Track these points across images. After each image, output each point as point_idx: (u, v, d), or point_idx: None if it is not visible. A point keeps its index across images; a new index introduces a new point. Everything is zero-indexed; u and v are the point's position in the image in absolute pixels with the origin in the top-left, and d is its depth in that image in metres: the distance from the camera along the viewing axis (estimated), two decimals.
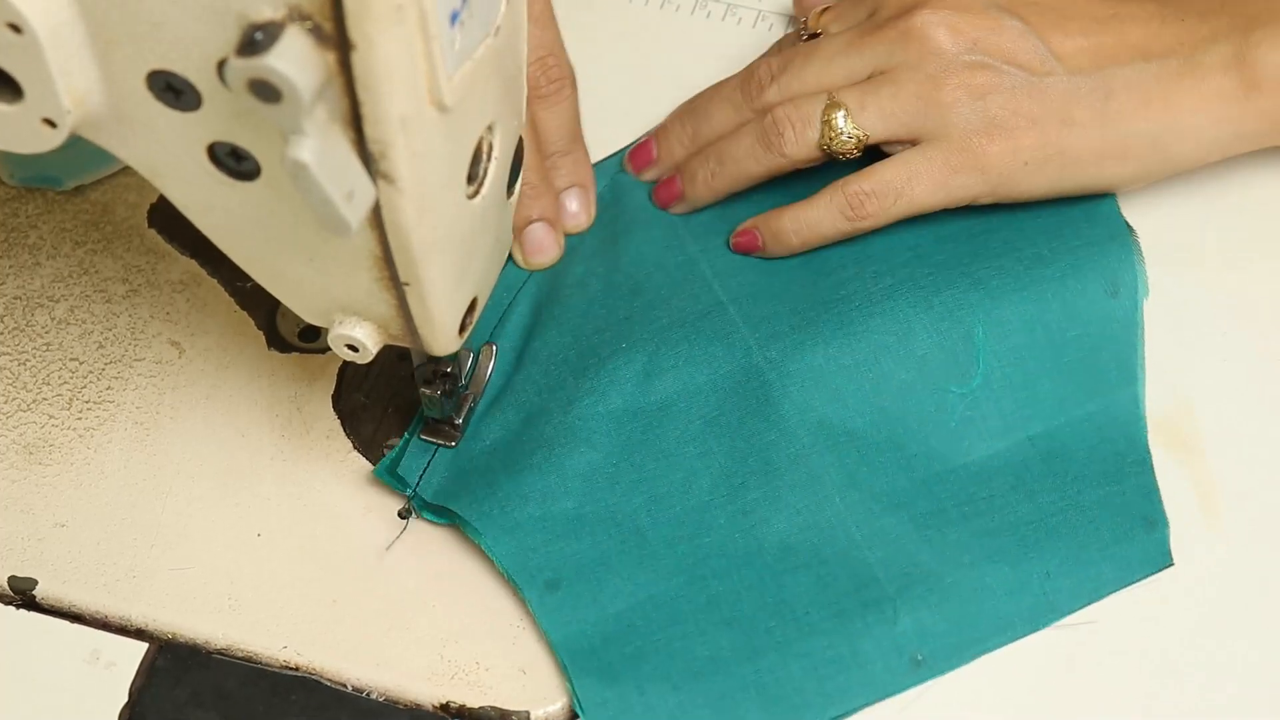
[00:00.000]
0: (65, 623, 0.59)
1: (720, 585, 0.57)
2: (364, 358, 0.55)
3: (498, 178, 0.52)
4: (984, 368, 0.60)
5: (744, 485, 0.59)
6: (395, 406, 0.63)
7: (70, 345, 0.65)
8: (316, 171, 0.42)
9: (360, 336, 0.54)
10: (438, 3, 0.42)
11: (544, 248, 0.65)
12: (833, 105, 0.61)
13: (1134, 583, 0.58)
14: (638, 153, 0.68)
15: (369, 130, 0.43)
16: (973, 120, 0.60)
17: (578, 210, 0.66)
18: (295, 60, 0.40)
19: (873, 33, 0.62)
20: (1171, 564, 0.58)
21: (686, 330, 0.61)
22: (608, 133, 0.71)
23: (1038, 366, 0.61)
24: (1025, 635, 0.57)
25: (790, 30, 0.71)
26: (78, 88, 0.45)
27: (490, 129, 0.51)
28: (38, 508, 0.61)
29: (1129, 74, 0.60)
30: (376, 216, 0.47)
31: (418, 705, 0.57)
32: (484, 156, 0.51)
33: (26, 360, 0.65)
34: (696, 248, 0.65)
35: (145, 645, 0.58)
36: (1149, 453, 0.60)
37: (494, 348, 0.63)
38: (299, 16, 0.40)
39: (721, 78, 0.72)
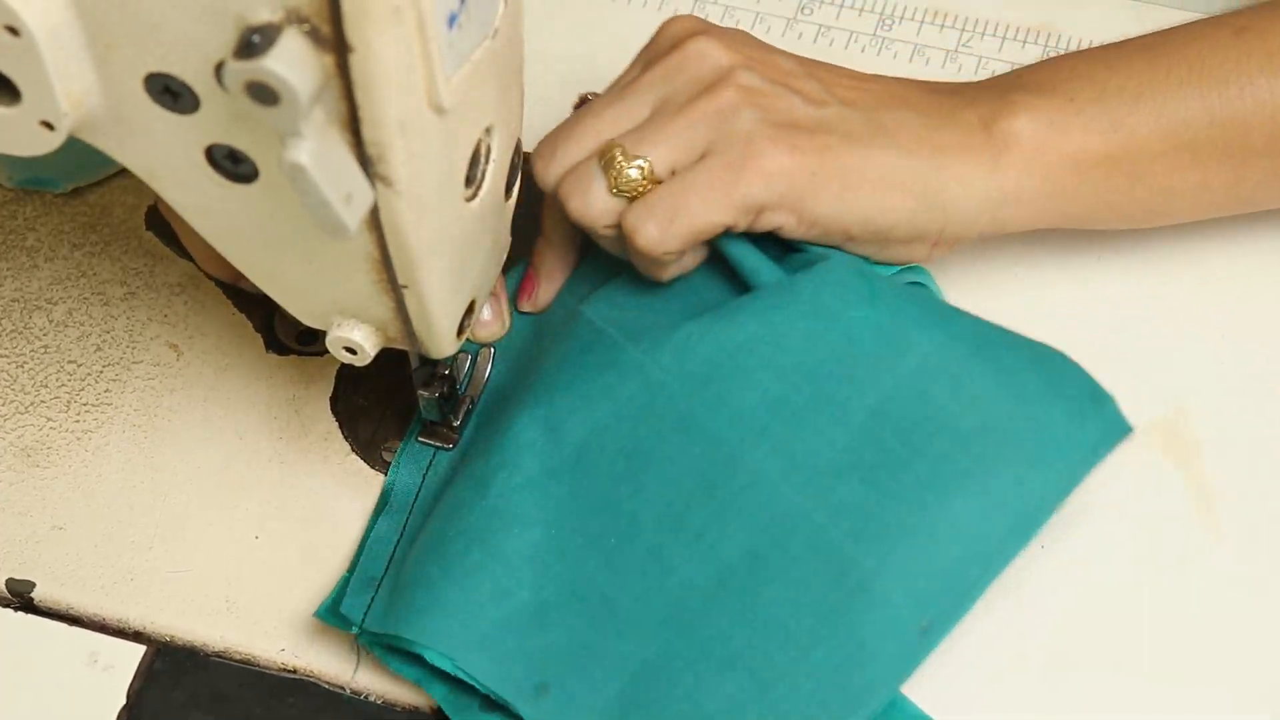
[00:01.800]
0: (63, 625, 0.59)
1: (706, 628, 0.54)
2: (362, 360, 0.55)
3: (496, 180, 0.52)
4: (874, 283, 0.57)
5: (687, 509, 0.55)
6: (393, 409, 0.63)
7: (68, 348, 0.65)
8: (314, 174, 0.42)
9: (358, 339, 0.54)
10: (435, 5, 0.42)
11: (488, 323, 0.64)
12: (605, 150, 0.57)
13: (1102, 459, 0.55)
14: (525, 287, 0.65)
15: (367, 133, 0.43)
16: (757, 126, 0.57)
17: (490, 319, 0.64)
18: (293, 62, 0.40)
19: (644, 71, 0.59)
20: (1132, 429, 0.55)
21: (574, 369, 0.58)
22: None
23: (939, 303, 0.59)
24: (1017, 554, 0.53)
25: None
26: (75, 90, 0.45)
27: (488, 131, 0.51)
28: (36, 510, 0.61)
29: (899, 116, 0.59)
30: (374, 219, 0.47)
31: (415, 708, 0.57)
32: (482, 159, 0.51)
33: (24, 363, 0.65)
34: (573, 299, 0.62)
35: (143, 648, 0.58)
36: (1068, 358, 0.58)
37: (492, 350, 0.63)
38: (297, 19, 0.40)
39: None
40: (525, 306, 0.64)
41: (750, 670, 0.53)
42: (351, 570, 0.58)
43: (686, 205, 0.56)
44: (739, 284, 0.59)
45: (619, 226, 0.57)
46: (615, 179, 0.57)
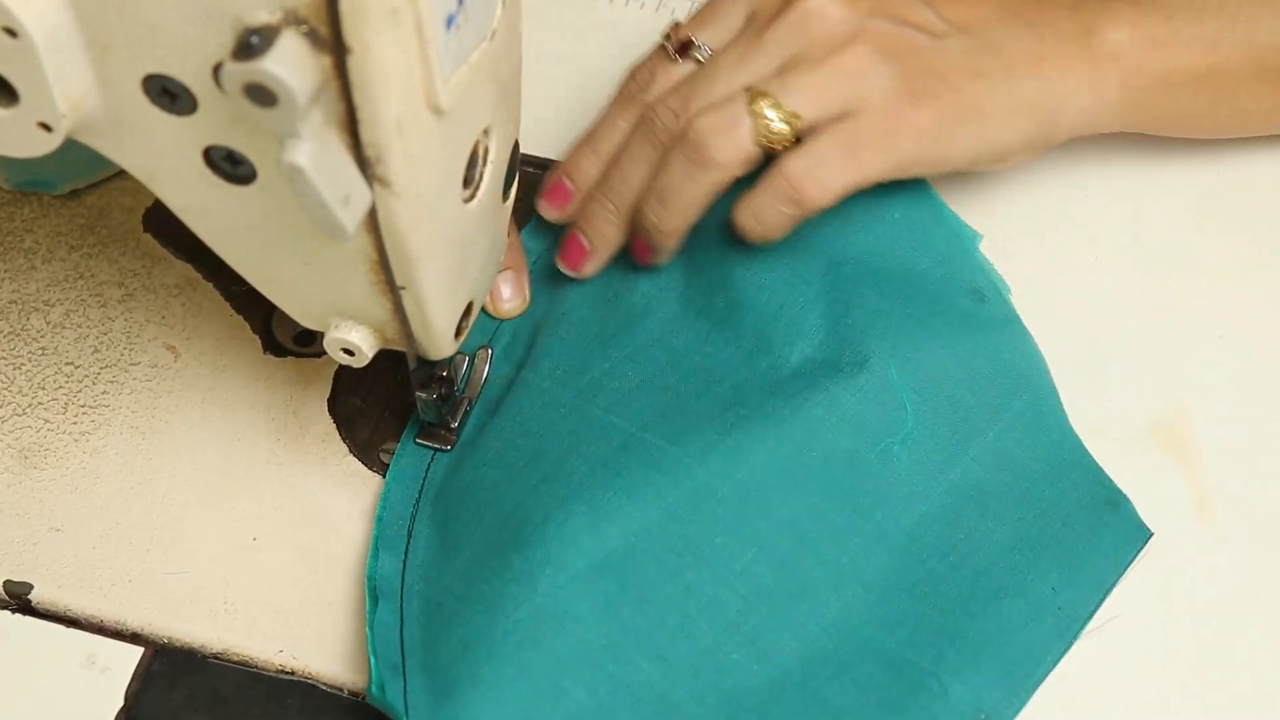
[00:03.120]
0: (61, 627, 0.59)
1: None
2: (360, 361, 0.54)
3: (494, 181, 0.52)
4: (910, 406, 0.59)
5: (741, 614, 0.55)
6: (391, 410, 0.63)
7: (66, 349, 0.65)
8: (312, 175, 0.41)
9: (356, 340, 0.54)
10: (433, 6, 0.42)
11: (509, 299, 0.64)
12: (756, 96, 0.57)
13: (1129, 565, 0.58)
14: (567, 251, 0.63)
15: (365, 134, 0.43)
16: (894, 82, 0.59)
17: (510, 295, 0.64)
18: (291, 64, 0.40)
19: (767, 28, 0.60)
20: (1151, 534, 0.58)
21: (611, 471, 0.57)
22: None
23: (954, 385, 0.60)
24: (1064, 655, 0.56)
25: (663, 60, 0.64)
26: (73, 92, 0.45)
27: (486, 133, 0.51)
28: (33, 512, 0.61)
29: (1011, 33, 0.61)
30: (372, 220, 0.47)
31: None
32: (480, 160, 0.51)
33: (22, 364, 0.65)
34: (571, 394, 0.61)
35: (141, 649, 0.58)
36: (1074, 432, 0.61)
37: (489, 351, 0.63)
38: (295, 20, 0.40)
39: None
40: (569, 272, 0.63)
41: None
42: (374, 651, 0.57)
43: (856, 159, 0.58)
44: (744, 356, 0.61)
45: (773, 181, 0.57)
46: (764, 128, 0.57)
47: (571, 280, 0.64)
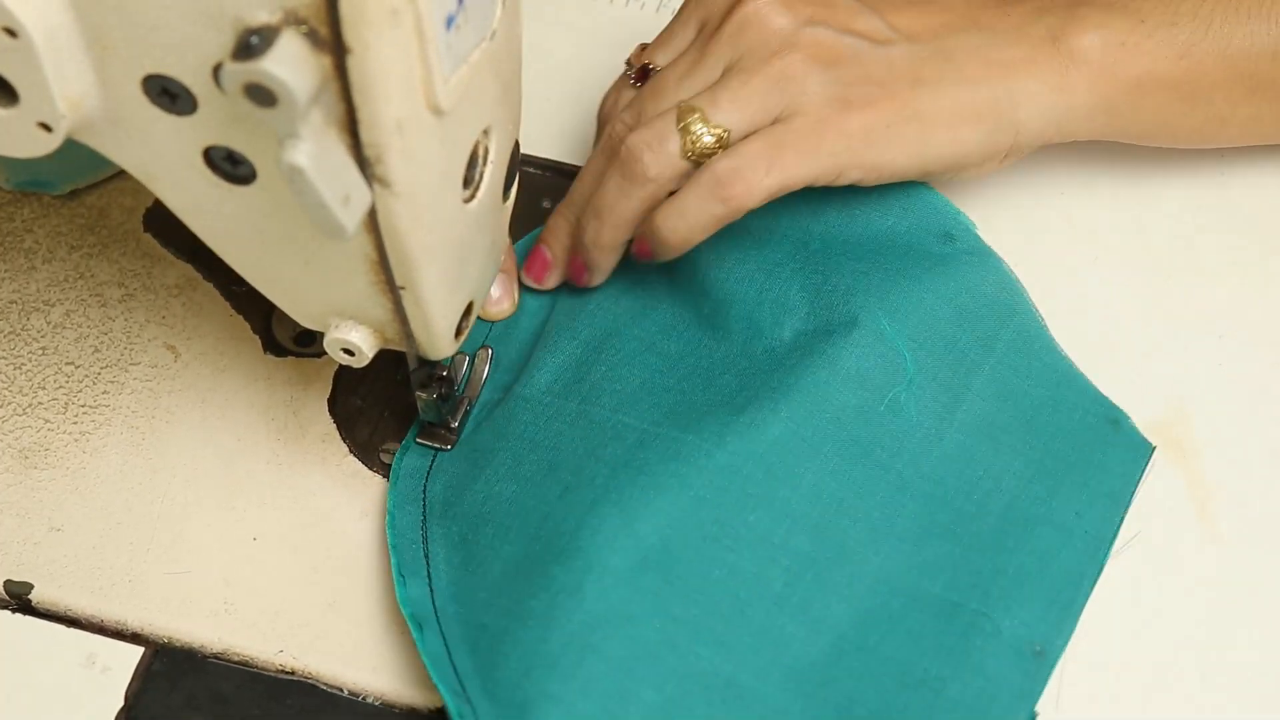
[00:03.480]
0: (61, 627, 0.59)
1: (837, 694, 0.54)
2: (360, 362, 0.55)
3: (494, 182, 0.52)
4: (908, 353, 0.60)
5: (788, 586, 0.55)
6: (391, 410, 0.63)
7: (66, 349, 0.65)
8: (312, 175, 0.42)
9: (356, 340, 0.54)
10: (433, 6, 0.42)
11: (498, 300, 0.64)
12: (684, 112, 0.58)
13: (1139, 481, 0.59)
14: (531, 263, 0.64)
15: (365, 134, 0.43)
16: (828, 88, 0.59)
17: (499, 296, 0.64)
18: (291, 64, 0.40)
19: (710, 40, 0.60)
20: (1154, 447, 0.60)
21: (634, 469, 0.57)
22: None
23: (945, 325, 0.61)
24: (1100, 574, 0.57)
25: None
26: (73, 92, 0.45)
27: (486, 133, 0.51)
28: (33, 512, 0.61)
29: (966, 40, 0.61)
30: (372, 220, 0.47)
31: (414, 709, 0.57)
32: (480, 160, 0.51)
33: (22, 364, 0.65)
34: (574, 403, 0.61)
35: (141, 649, 0.58)
36: (1067, 357, 0.62)
37: (489, 352, 0.63)
38: (294, 21, 0.40)
39: None
40: (531, 283, 0.65)
41: None
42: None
43: (779, 162, 0.58)
44: (740, 347, 0.61)
45: (699, 179, 0.58)
46: (692, 144, 0.58)
47: (558, 295, 0.65)
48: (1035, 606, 0.56)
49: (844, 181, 0.60)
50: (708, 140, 0.58)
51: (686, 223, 0.59)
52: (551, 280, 0.64)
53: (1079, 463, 0.59)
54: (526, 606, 0.54)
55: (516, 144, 0.54)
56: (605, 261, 0.62)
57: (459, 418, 0.61)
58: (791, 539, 0.56)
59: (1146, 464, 0.60)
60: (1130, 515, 0.59)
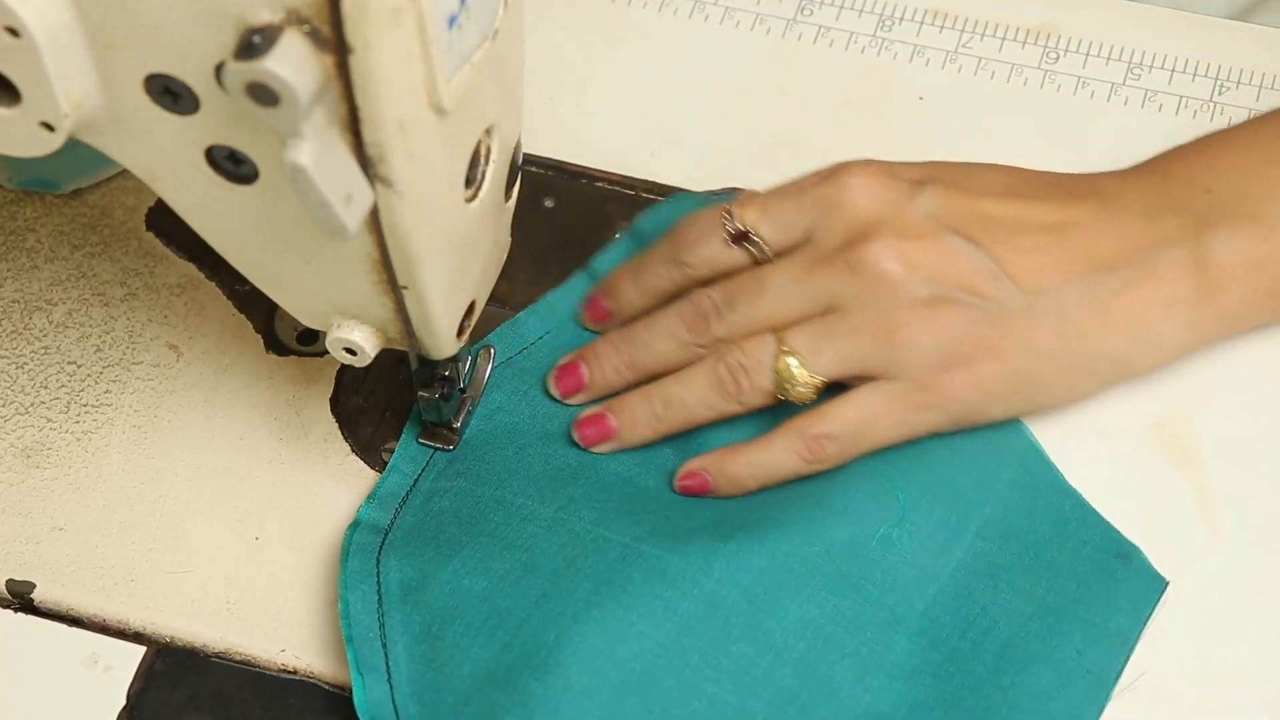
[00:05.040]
0: (63, 626, 0.59)
1: None
2: (362, 361, 0.55)
3: (496, 181, 0.52)
4: (900, 493, 0.58)
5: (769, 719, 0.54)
6: (393, 410, 0.63)
7: (68, 348, 0.65)
8: (315, 175, 0.42)
9: (358, 340, 0.54)
10: (436, 6, 0.42)
11: None
12: (786, 352, 0.57)
13: (1149, 618, 0.57)
14: (564, 375, 0.62)
15: (367, 134, 0.43)
16: (933, 356, 0.57)
17: None
18: (293, 64, 0.40)
19: (821, 266, 0.58)
20: (1167, 583, 0.58)
21: (617, 587, 0.55)
22: (602, 139, 0.71)
23: (941, 466, 0.59)
24: (1100, 714, 0.55)
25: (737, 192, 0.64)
26: (75, 91, 0.45)
27: (489, 132, 0.51)
28: (36, 511, 0.61)
29: (1085, 290, 0.58)
30: (374, 220, 0.47)
31: None
32: (482, 160, 0.51)
33: (24, 364, 0.65)
34: (549, 510, 0.59)
35: (143, 649, 0.58)
36: (1073, 489, 0.60)
37: (492, 351, 0.63)
38: (297, 20, 0.40)
39: (719, 82, 0.72)
40: (556, 395, 0.62)
41: None
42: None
43: (870, 432, 0.58)
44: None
45: (789, 440, 0.58)
46: (786, 386, 0.58)
47: (532, 403, 0.63)
48: None
49: (939, 431, 0.59)
50: (803, 389, 0.57)
51: (769, 473, 0.59)
52: (578, 400, 0.62)
53: (1084, 600, 0.57)
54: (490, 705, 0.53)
55: (519, 143, 0.54)
56: (639, 443, 0.61)
57: (461, 418, 0.61)
58: (775, 672, 0.55)
59: (1158, 600, 0.57)
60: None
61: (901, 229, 0.58)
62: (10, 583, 0.60)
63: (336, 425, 0.63)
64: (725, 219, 0.60)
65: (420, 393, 0.59)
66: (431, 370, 0.58)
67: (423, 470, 0.61)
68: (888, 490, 0.58)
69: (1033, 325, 0.58)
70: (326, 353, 0.57)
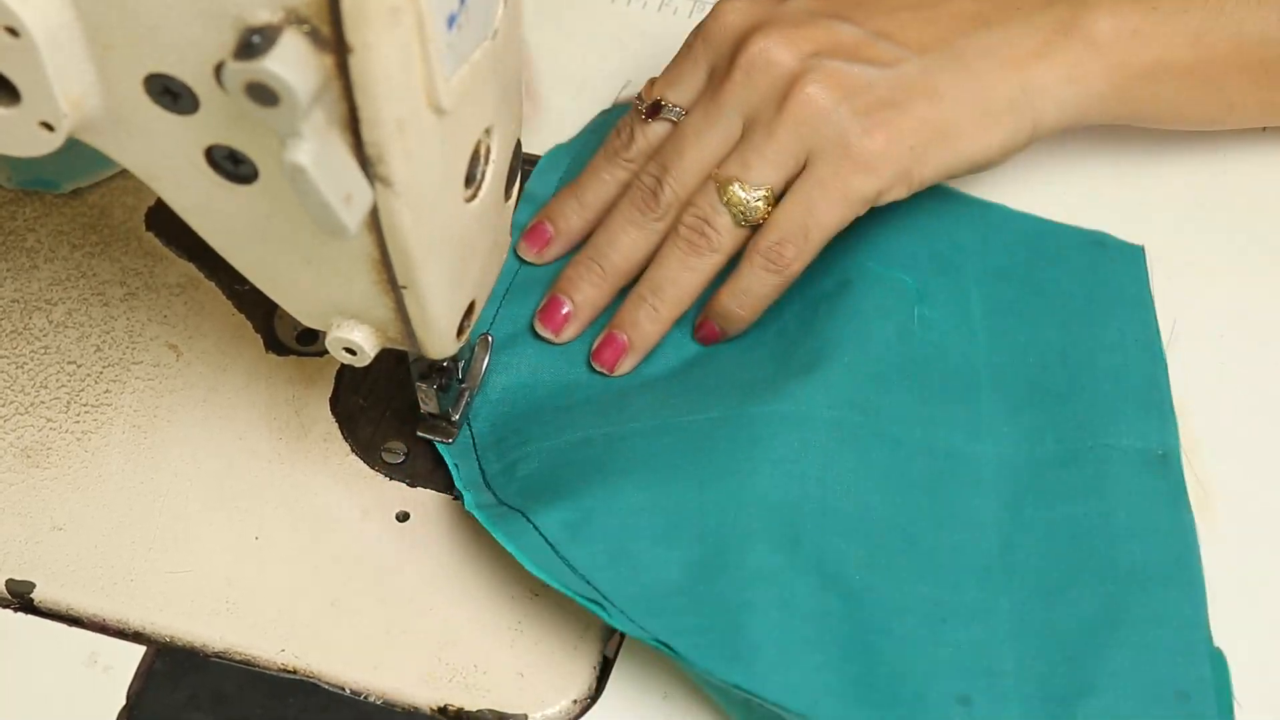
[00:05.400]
0: (63, 626, 0.59)
1: (1016, 559, 0.58)
2: (362, 361, 0.55)
3: (495, 181, 0.52)
4: (901, 273, 0.64)
5: (930, 495, 0.59)
6: (393, 409, 0.63)
7: (68, 348, 0.65)
8: (314, 175, 0.42)
9: (358, 339, 0.54)
10: (435, 6, 0.42)
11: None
12: (723, 184, 0.60)
13: (1148, 277, 0.65)
14: (549, 315, 0.63)
15: (366, 133, 0.43)
16: (846, 123, 0.59)
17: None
18: (292, 63, 0.40)
19: (720, 86, 0.61)
20: (1142, 246, 0.65)
21: (754, 447, 0.58)
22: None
23: (910, 238, 0.65)
24: (1167, 369, 0.62)
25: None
26: (75, 91, 0.45)
27: (488, 132, 0.51)
28: (35, 511, 0.61)
29: (976, 41, 0.62)
30: (374, 219, 0.47)
31: (415, 708, 0.57)
32: (482, 159, 0.51)
33: (24, 363, 0.65)
34: (639, 424, 0.60)
35: (143, 648, 0.58)
36: (1026, 214, 0.67)
37: (490, 339, 0.63)
38: (296, 20, 0.40)
39: None
40: (549, 335, 0.64)
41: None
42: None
43: (815, 219, 0.60)
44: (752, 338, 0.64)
45: (751, 261, 0.61)
46: (742, 212, 0.60)
47: (538, 356, 0.64)
48: (1132, 418, 0.60)
49: (882, 203, 0.61)
50: (757, 204, 0.60)
51: (752, 298, 0.61)
52: (570, 333, 0.63)
53: (1096, 295, 0.63)
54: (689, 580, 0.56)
55: (518, 143, 0.54)
56: (654, 340, 0.63)
57: (459, 409, 0.61)
58: (910, 465, 0.59)
59: (1145, 261, 0.64)
60: None
61: (780, 24, 0.61)
62: (10, 582, 0.60)
63: (336, 425, 0.63)
64: (638, 104, 0.64)
65: (418, 385, 0.59)
66: (429, 362, 0.58)
67: (478, 459, 0.62)
68: (893, 276, 0.62)
69: (931, 75, 0.61)
70: (326, 352, 0.57)
